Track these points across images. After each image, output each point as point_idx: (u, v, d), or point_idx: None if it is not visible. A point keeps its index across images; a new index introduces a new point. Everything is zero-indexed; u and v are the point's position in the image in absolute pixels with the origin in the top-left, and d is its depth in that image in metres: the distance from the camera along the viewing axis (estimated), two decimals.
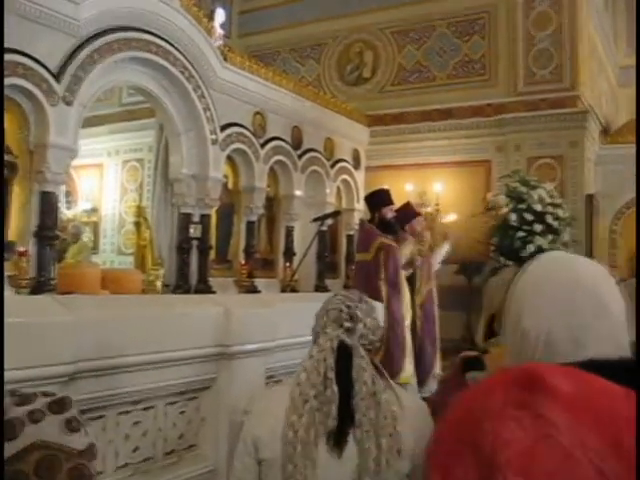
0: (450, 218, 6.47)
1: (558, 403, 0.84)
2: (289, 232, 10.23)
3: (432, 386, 5.29)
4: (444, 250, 5.94)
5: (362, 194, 10.96)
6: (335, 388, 1.48)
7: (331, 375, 1.49)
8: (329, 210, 9.65)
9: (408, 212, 5.86)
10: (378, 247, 5.24)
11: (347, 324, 1.60)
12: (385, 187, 6.52)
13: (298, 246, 10.10)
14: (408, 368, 5.10)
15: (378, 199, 5.60)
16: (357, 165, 11.58)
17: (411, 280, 5.50)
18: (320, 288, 10.13)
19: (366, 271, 5.22)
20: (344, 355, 1.54)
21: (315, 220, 6.09)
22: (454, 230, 6.72)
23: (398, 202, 5.82)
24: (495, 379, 0.92)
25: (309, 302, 1.91)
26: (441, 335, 5.69)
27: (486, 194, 9.75)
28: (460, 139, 10.93)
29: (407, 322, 5.26)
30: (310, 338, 1.66)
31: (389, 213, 5.46)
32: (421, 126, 11.25)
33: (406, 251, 5.33)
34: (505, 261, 8.30)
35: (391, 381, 1.58)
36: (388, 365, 4.87)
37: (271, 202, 10.07)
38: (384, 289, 5.06)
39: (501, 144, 10.70)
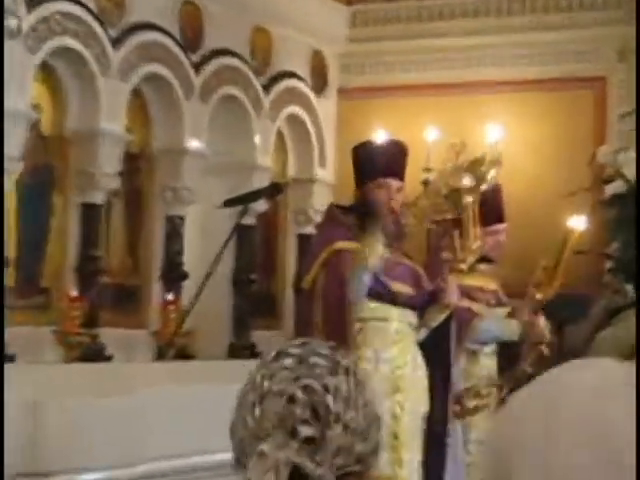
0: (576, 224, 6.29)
1: None
2: (174, 229, 10.29)
3: None
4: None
5: (331, 147, 11.00)
6: None
7: None
8: (260, 183, 9.67)
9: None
10: (323, 262, 5.34)
11: (306, 431, 1.62)
12: (379, 138, 6.57)
13: (193, 259, 10.15)
14: None
15: (358, 164, 5.69)
16: (321, 86, 11.70)
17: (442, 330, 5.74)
18: (240, 350, 10.16)
19: (303, 314, 5.34)
20: None
21: (229, 204, 6.13)
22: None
23: (415, 167, 5.88)
24: None
25: (214, 384, 1.93)
26: None
27: (596, 148, 9.92)
28: (539, 32, 11.09)
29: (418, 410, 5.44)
30: (221, 457, 1.65)
31: (380, 193, 5.52)
32: (458, 4, 11.40)
33: (372, 260, 5.32)
34: (635, 291, 8.43)
35: None
36: None
37: (136, 164, 10.11)
38: None
39: (625, 46, 10.87)
